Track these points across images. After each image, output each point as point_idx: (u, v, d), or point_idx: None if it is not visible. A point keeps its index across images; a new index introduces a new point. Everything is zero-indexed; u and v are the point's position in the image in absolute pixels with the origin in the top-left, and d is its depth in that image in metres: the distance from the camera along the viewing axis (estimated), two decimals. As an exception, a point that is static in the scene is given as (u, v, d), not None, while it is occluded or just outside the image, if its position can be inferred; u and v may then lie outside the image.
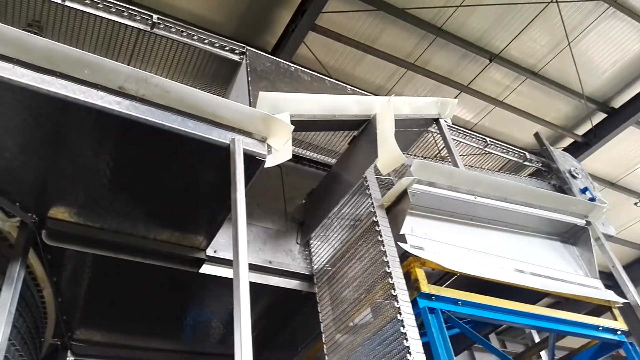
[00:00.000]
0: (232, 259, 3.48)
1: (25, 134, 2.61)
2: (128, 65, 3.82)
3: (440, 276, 4.16)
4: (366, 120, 3.76)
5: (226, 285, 3.65)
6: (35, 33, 3.85)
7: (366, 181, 3.56)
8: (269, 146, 2.91)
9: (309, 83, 4.00)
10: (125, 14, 3.58)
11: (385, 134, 3.55)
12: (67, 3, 3.39)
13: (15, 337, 2.87)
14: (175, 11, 7.39)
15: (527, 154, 6.00)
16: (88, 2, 3.44)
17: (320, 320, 3.46)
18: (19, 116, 2.48)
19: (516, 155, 5.88)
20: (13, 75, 2.33)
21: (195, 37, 3.82)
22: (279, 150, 2.93)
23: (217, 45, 3.91)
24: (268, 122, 2.89)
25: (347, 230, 3.57)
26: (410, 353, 2.67)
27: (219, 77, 4.25)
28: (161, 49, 3.98)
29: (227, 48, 3.93)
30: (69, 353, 4.14)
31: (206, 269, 3.52)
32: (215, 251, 3.51)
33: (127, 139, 2.70)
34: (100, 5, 3.53)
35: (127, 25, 3.60)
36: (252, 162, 2.82)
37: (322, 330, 3.42)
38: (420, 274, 3.15)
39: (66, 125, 2.59)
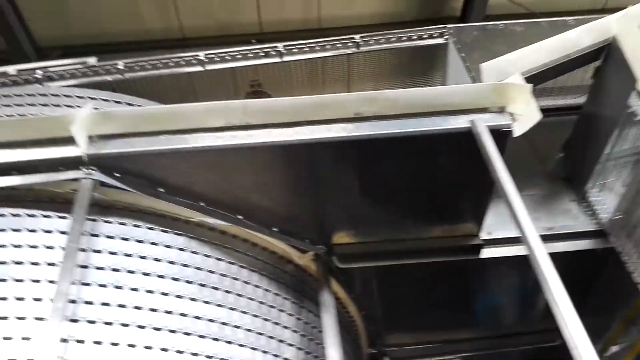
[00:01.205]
0: (507, 236, 3.48)
1: (291, 182, 2.99)
2: (347, 90, 4.12)
3: None
4: (605, 45, 3.30)
5: (506, 264, 3.59)
6: (258, 91, 4.46)
7: (632, 110, 3.09)
8: (511, 114, 2.77)
9: (524, 33, 3.70)
10: (327, 46, 3.85)
11: (636, 51, 3.05)
12: (284, 59, 3.81)
13: (345, 356, 3.24)
14: (352, 20, 7.66)
15: None
16: (299, 49, 3.81)
17: (633, 274, 3.09)
18: (283, 169, 2.87)
19: None
20: (272, 138, 2.69)
21: (395, 39, 3.90)
22: (524, 115, 2.76)
23: (417, 37, 3.92)
24: (501, 91, 2.76)
25: (629, 169, 3.14)
26: None
27: (419, 66, 4.26)
28: (367, 63, 4.18)
29: (428, 36, 3.91)
30: (387, 359, 4.53)
31: (485, 252, 3.50)
32: (489, 233, 3.47)
33: (373, 156, 2.87)
34: (306, 49, 3.88)
35: (333, 56, 3.88)
36: (499, 136, 2.71)
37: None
38: None
39: (322, 162, 2.89)
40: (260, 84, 4.39)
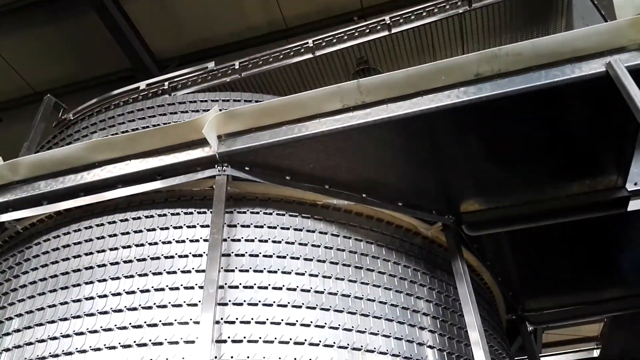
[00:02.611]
0: (659, 185, 3.12)
1: (414, 154, 2.95)
2: (462, 52, 3.93)
3: None
4: None
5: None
6: (367, 68, 4.39)
7: None
8: (655, 48, 2.48)
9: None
10: (436, 10, 3.68)
11: None
12: (393, 31, 3.71)
13: (484, 323, 3.16)
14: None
15: None
16: (407, 18, 3.68)
17: None
18: (404, 142, 2.85)
19: None
20: (390, 113, 2.67)
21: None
22: (672, 47, 2.45)
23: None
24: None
25: None
26: None
27: (536, 13, 3.93)
28: (481, 20, 3.94)
29: (547, -24, 3.58)
30: (526, 324, 4.34)
31: (633, 204, 3.18)
32: (635, 183, 3.15)
33: (500, 117, 2.72)
34: (414, 17, 3.74)
35: (442, 19, 3.70)
36: (642, 75, 2.45)
37: None
38: None
39: (445, 130, 2.80)
40: (366, 60, 4.32)
